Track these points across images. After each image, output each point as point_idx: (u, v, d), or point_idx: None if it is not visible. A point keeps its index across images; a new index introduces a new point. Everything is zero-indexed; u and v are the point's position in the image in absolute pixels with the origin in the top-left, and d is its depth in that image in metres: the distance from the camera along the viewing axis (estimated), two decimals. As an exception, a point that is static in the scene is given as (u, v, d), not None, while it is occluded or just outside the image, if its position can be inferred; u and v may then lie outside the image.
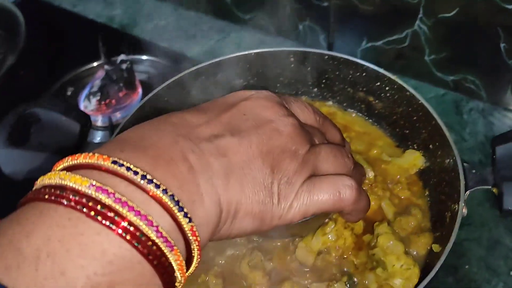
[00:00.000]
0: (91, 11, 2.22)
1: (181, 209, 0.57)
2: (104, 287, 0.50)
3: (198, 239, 0.61)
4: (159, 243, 0.55)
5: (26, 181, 1.20)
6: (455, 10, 1.60)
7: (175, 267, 0.60)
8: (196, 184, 0.61)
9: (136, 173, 0.57)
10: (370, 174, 1.34)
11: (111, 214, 0.52)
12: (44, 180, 0.56)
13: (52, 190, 0.52)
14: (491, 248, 1.36)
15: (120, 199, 0.53)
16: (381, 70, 1.42)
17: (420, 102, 1.33)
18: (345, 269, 1.22)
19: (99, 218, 0.51)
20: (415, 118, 1.37)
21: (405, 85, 1.37)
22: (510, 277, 1.33)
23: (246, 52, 1.50)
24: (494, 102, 1.75)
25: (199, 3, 2.21)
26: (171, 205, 0.57)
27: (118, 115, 1.72)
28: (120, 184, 0.55)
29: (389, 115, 1.47)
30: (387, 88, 1.44)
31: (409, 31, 1.74)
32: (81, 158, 0.58)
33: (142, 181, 0.56)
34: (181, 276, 0.61)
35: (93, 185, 0.53)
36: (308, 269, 1.22)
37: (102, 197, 0.52)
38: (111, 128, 1.67)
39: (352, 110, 1.56)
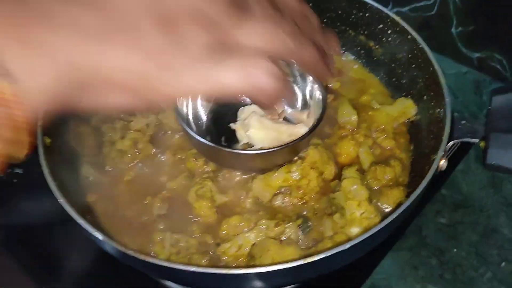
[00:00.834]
0: None
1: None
2: None
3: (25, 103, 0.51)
4: None
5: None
6: (491, -25, 1.44)
7: None
8: (42, 38, 0.49)
9: None
10: (353, 118, 1.21)
11: None
12: None
13: None
14: (486, 235, 1.22)
15: None
16: (385, 10, 1.29)
17: (420, 46, 1.21)
18: (304, 212, 1.10)
19: None
20: (414, 65, 1.25)
21: (407, 27, 1.25)
22: (501, 269, 1.18)
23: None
24: (520, 86, 1.58)
25: None
26: None
27: None
28: None
29: (388, 62, 1.34)
30: (389, 32, 1.30)
31: (439, -4, 1.60)
32: None
33: None
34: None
35: None
36: (262, 207, 1.11)
37: None
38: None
39: (350, 55, 1.43)
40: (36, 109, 0.54)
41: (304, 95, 1.21)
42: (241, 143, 1.17)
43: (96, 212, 1.13)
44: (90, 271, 1.19)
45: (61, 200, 0.97)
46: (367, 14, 1.33)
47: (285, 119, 1.22)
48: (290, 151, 1.11)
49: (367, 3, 1.31)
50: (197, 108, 1.22)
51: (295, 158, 1.13)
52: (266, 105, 0.68)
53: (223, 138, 1.21)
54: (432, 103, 1.15)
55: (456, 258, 1.19)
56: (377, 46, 1.36)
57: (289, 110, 1.22)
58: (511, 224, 1.25)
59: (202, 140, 1.07)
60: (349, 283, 1.13)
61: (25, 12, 0.50)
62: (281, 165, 1.12)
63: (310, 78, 1.17)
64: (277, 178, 1.10)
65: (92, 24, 0.53)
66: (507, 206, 1.27)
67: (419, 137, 1.19)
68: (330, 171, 1.13)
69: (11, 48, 0.49)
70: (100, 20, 0.53)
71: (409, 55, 1.25)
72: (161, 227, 1.09)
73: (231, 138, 1.20)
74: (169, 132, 1.24)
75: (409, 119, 1.23)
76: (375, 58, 1.38)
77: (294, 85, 1.22)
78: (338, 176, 1.13)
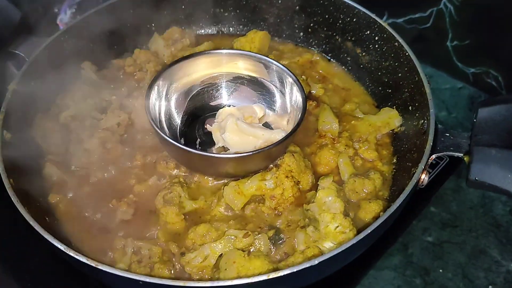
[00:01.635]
0: None
1: None
2: None
3: None
4: None
5: None
6: (488, -9, 1.40)
7: None
8: None
9: None
10: (334, 126, 1.15)
11: None
12: None
13: None
14: (474, 256, 1.17)
15: None
16: (373, 15, 1.24)
17: (407, 54, 1.16)
18: (277, 223, 1.03)
19: None
20: (400, 74, 1.19)
21: (394, 33, 1.20)
22: None
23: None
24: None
25: None
26: None
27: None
28: None
29: (375, 70, 1.28)
30: (376, 38, 1.25)
31: (434, 10, 1.54)
32: None
33: None
34: None
35: None
36: (233, 216, 1.05)
37: None
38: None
39: (336, 62, 1.38)
40: None
41: (283, 98, 1.17)
42: (216, 146, 1.14)
43: (57, 214, 1.06)
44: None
45: (14, 199, 0.90)
46: (354, 19, 1.28)
47: (265, 125, 1.18)
48: (265, 157, 1.06)
49: (354, 8, 1.26)
50: (171, 110, 1.19)
51: (270, 165, 1.07)
52: None
53: (197, 141, 1.18)
54: (417, 114, 1.10)
55: (442, 279, 1.13)
56: (364, 53, 1.30)
57: (269, 113, 1.19)
58: (499, 246, 1.19)
59: (173, 142, 1.03)
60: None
61: None
62: (255, 172, 1.06)
63: (290, 80, 1.12)
64: (250, 186, 1.04)
65: None
66: (497, 227, 1.22)
67: (403, 150, 1.13)
68: (306, 180, 1.07)
69: None
70: None
71: (396, 63, 1.20)
72: (124, 233, 1.02)
73: (207, 142, 1.16)
74: (141, 132, 1.18)
75: (393, 130, 1.17)
76: (361, 66, 1.32)
77: (274, 88, 1.18)
78: (316, 187, 1.07)
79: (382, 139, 1.18)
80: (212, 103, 1.21)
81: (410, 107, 1.14)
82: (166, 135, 1.04)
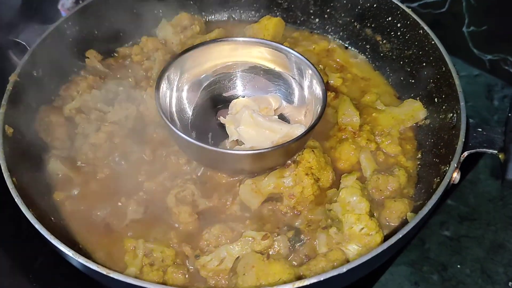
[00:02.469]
0: None
1: None
2: None
3: None
4: None
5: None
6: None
7: None
8: None
9: None
10: (355, 119, 1.09)
11: None
12: None
13: None
14: (493, 251, 1.12)
15: None
16: (395, 0, 1.17)
17: (433, 42, 1.09)
18: (296, 223, 0.98)
19: None
20: (424, 64, 1.13)
21: (419, 20, 1.13)
22: None
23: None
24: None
25: None
26: None
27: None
28: None
29: (396, 59, 1.22)
30: (398, 25, 1.18)
31: (451, -8, 1.49)
32: None
33: None
34: None
35: None
36: (249, 216, 0.99)
37: None
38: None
39: (355, 50, 1.31)
40: None
41: (301, 90, 1.11)
42: (230, 140, 1.08)
43: (62, 213, 1.01)
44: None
45: (17, 199, 0.84)
46: (374, 5, 1.21)
47: (281, 116, 1.13)
48: (284, 153, 1.00)
49: (375, -8, 1.20)
50: (182, 101, 1.12)
51: (289, 161, 1.00)
52: None
53: (210, 134, 1.12)
54: (444, 107, 1.04)
55: (460, 275, 1.08)
56: (384, 41, 1.24)
57: (285, 104, 1.14)
58: (521, 240, 1.14)
59: (185, 136, 0.96)
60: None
61: None
62: (272, 169, 1.00)
63: (309, 71, 1.06)
64: (268, 183, 0.98)
65: None
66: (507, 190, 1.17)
67: (428, 144, 1.07)
68: (327, 177, 1.01)
69: None
70: None
71: (420, 52, 1.14)
72: (135, 234, 0.97)
73: (220, 134, 1.10)
74: (150, 125, 1.11)
75: (417, 123, 1.11)
76: (381, 54, 1.26)
77: (291, 79, 1.13)
78: (336, 184, 1.01)
79: (405, 133, 1.12)
80: (225, 94, 1.15)
81: (436, 99, 1.08)
82: (177, 129, 0.98)
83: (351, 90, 1.21)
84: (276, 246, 0.92)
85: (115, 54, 1.27)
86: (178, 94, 1.09)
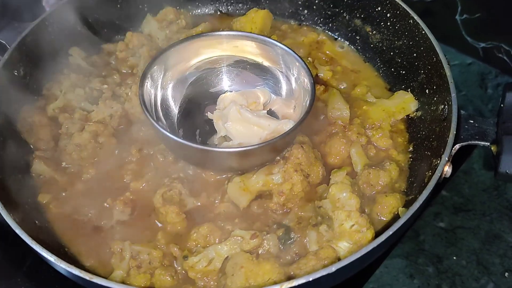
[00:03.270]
0: None
1: None
2: None
3: None
4: None
5: None
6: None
7: None
8: None
9: None
10: (345, 112, 1.07)
11: None
12: None
13: None
14: (489, 242, 1.11)
15: None
16: (384, -11, 1.15)
17: (423, 32, 1.07)
18: (286, 221, 0.96)
19: None
20: (415, 54, 1.11)
21: (409, 10, 1.11)
22: (504, 279, 1.07)
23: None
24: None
25: None
26: None
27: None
28: None
29: (386, 50, 1.20)
30: (388, 15, 1.16)
31: (443, -22, 1.47)
32: None
33: None
34: None
35: None
36: (238, 214, 0.97)
37: None
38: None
39: (345, 41, 1.29)
40: None
41: (289, 83, 1.09)
42: (218, 136, 1.06)
43: (47, 216, 0.99)
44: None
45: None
46: (363, -5, 1.20)
47: (270, 112, 1.10)
48: (272, 149, 0.98)
49: (363, -19, 1.18)
50: (168, 98, 1.10)
51: (278, 158, 0.99)
52: None
53: (198, 131, 1.11)
54: (435, 98, 1.02)
55: (456, 266, 1.07)
56: (374, 32, 1.22)
57: (274, 98, 1.12)
58: (516, 230, 1.13)
59: (168, 134, 0.95)
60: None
61: None
62: (261, 166, 0.98)
63: (297, 64, 1.04)
64: (256, 181, 0.96)
65: None
66: (511, 210, 1.15)
67: (420, 137, 1.05)
68: (317, 173, 0.99)
69: None
70: None
71: (410, 42, 1.12)
72: (121, 235, 0.95)
73: (208, 131, 1.09)
74: (136, 124, 1.09)
75: (408, 115, 1.09)
76: (371, 45, 1.24)
77: (279, 72, 1.10)
78: (327, 180, 0.99)
79: (396, 126, 1.10)
80: (212, 90, 1.13)
81: (427, 91, 1.06)
82: (163, 127, 0.96)
83: (341, 82, 1.19)
84: (265, 245, 0.90)
85: (99, 51, 1.24)
86: (163, 91, 1.07)
